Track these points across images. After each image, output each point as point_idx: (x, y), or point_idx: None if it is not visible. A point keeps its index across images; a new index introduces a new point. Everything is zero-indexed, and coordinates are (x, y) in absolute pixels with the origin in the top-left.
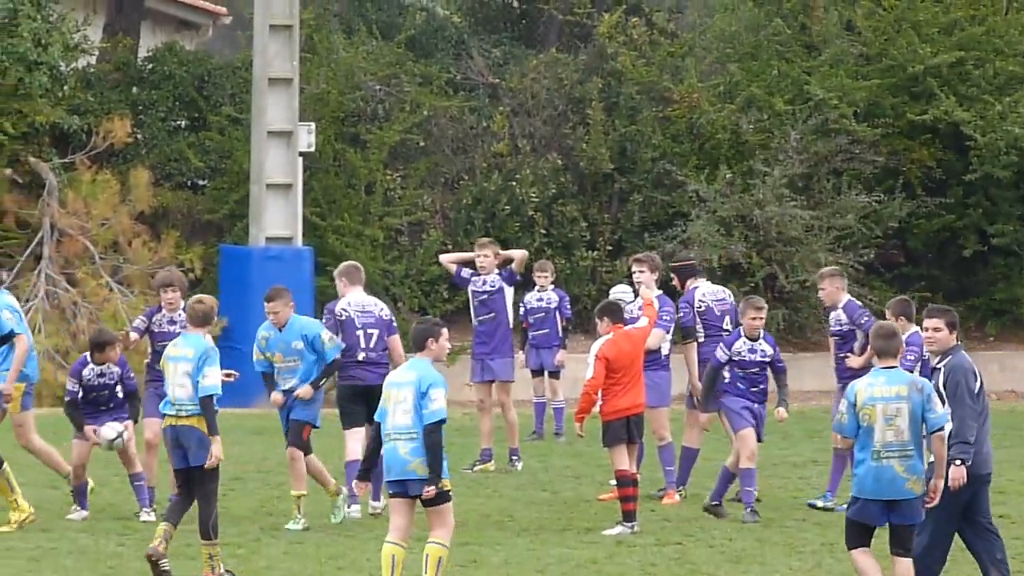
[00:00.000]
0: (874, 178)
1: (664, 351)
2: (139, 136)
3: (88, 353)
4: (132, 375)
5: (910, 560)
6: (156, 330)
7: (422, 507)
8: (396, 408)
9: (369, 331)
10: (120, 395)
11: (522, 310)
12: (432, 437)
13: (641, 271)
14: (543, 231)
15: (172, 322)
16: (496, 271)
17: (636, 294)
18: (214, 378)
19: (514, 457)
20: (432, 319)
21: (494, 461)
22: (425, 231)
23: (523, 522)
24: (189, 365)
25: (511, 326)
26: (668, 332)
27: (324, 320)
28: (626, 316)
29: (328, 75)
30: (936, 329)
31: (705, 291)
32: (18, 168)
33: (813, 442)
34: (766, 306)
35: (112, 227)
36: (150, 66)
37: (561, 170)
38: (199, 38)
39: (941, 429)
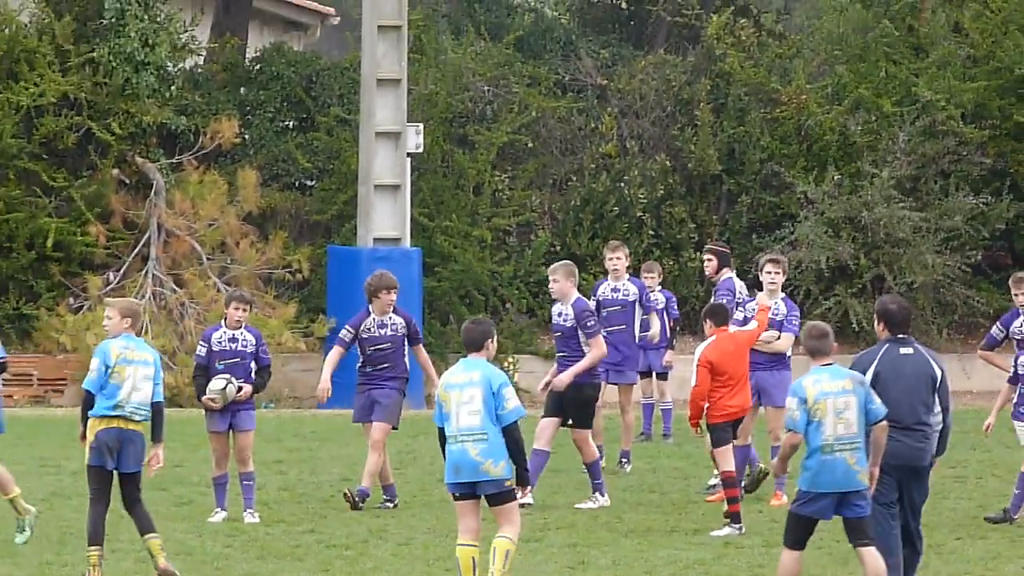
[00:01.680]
0: (981, 180)
1: (788, 352)
2: (247, 137)
3: (223, 319)
4: (267, 349)
5: (874, 548)
6: (366, 335)
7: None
8: (461, 410)
9: None
10: (252, 368)
11: None
12: (515, 435)
13: (778, 272)
14: (651, 232)
15: (382, 326)
16: (627, 276)
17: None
18: (163, 384)
19: (624, 459)
20: (486, 319)
21: (604, 459)
22: (533, 232)
23: (631, 523)
24: (150, 370)
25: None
26: (795, 335)
27: (585, 313)
28: (741, 316)
29: (436, 76)
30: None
31: (737, 281)
32: (125, 168)
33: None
34: None
35: (219, 228)
36: (258, 66)
37: (669, 171)
38: (307, 39)
39: (882, 419)
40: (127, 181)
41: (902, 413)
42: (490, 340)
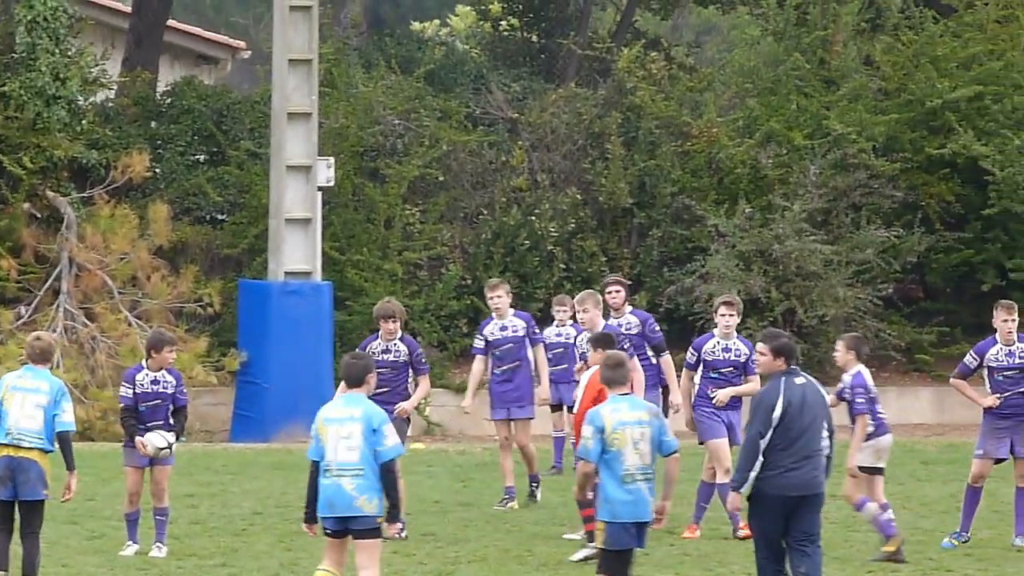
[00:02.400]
0: (893, 213)
1: None
2: (158, 170)
3: (144, 360)
4: (185, 390)
5: None
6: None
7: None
8: (339, 444)
9: None
10: (170, 411)
11: None
12: (392, 472)
13: (732, 314)
14: (562, 266)
15: (386, 351)
16: (512, 312)
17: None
18: (71, 414)
19: (534, 484)
20: (367, 355)
21: (516, 500)
22: (444, 266)
23: (542, 556)
24: (43, 398)
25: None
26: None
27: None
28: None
29: (347, 109)
30: (761, 353)
31: None
32: (36, 202)
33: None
34: None
35: (130, 262)
36: (169, 100)
37: (580, 205)
38: (218, 72)
39: (675, 452)
40: (38, 215)
41: (807, 441)
42: (370, 375)
